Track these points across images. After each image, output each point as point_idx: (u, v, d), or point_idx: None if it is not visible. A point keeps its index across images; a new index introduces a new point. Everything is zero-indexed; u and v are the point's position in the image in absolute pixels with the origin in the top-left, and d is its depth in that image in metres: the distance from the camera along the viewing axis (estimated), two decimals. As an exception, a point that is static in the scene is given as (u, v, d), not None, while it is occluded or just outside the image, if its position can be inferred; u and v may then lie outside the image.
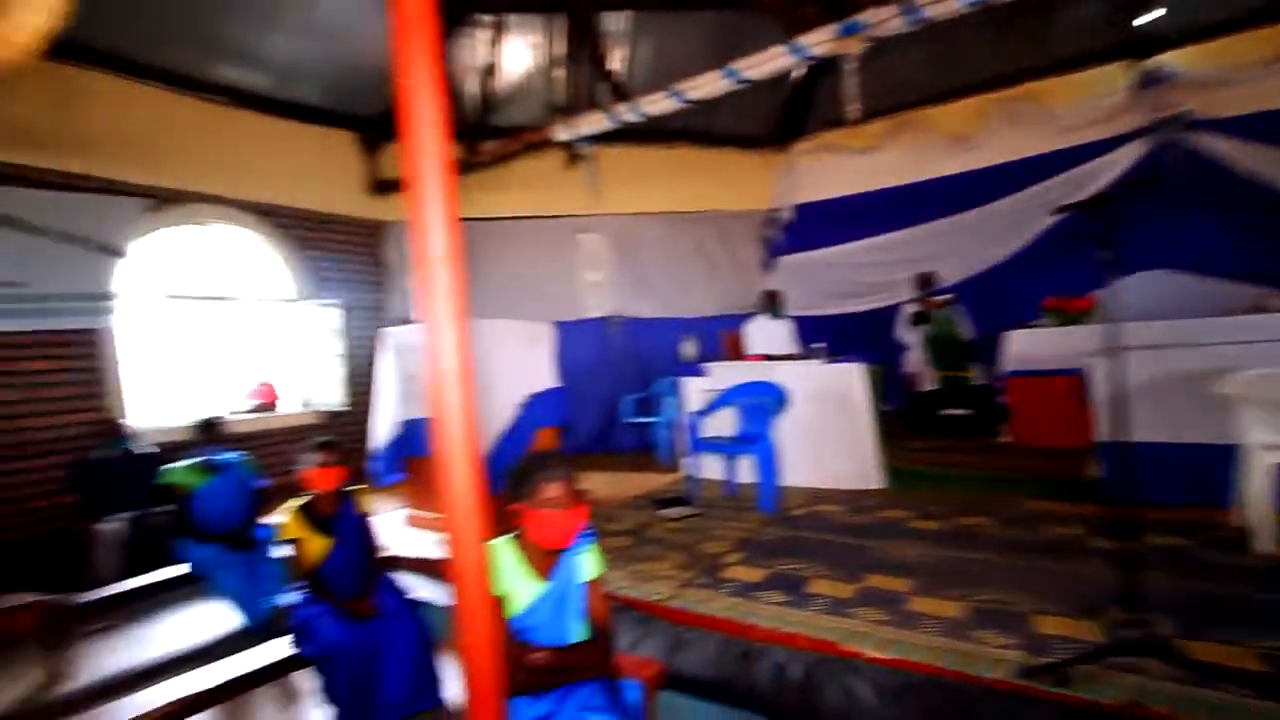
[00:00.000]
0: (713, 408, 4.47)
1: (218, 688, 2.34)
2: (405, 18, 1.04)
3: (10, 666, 3.15)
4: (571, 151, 5.80)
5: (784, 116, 7.05)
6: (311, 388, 6.19)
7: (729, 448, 4.41)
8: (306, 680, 2.67)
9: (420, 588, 3.14)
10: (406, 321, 4.73)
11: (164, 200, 5.03)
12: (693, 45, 6.03)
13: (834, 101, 4.53)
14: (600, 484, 4.98)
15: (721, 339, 5.40)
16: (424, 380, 3.71)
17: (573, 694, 1.65)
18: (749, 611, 2.58)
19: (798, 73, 6.09)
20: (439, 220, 1.07)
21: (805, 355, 4.77)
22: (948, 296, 5.64)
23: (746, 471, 4.47)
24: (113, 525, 3.95)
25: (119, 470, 4.13)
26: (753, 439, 4.21)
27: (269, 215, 5.72)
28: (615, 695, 1.69)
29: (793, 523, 3.76)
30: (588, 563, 1.77)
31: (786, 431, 4.33)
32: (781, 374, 4.45)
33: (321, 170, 6.13)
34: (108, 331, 4.70)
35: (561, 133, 5.42)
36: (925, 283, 5.71)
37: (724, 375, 4.81)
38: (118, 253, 4.72)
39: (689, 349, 5.84)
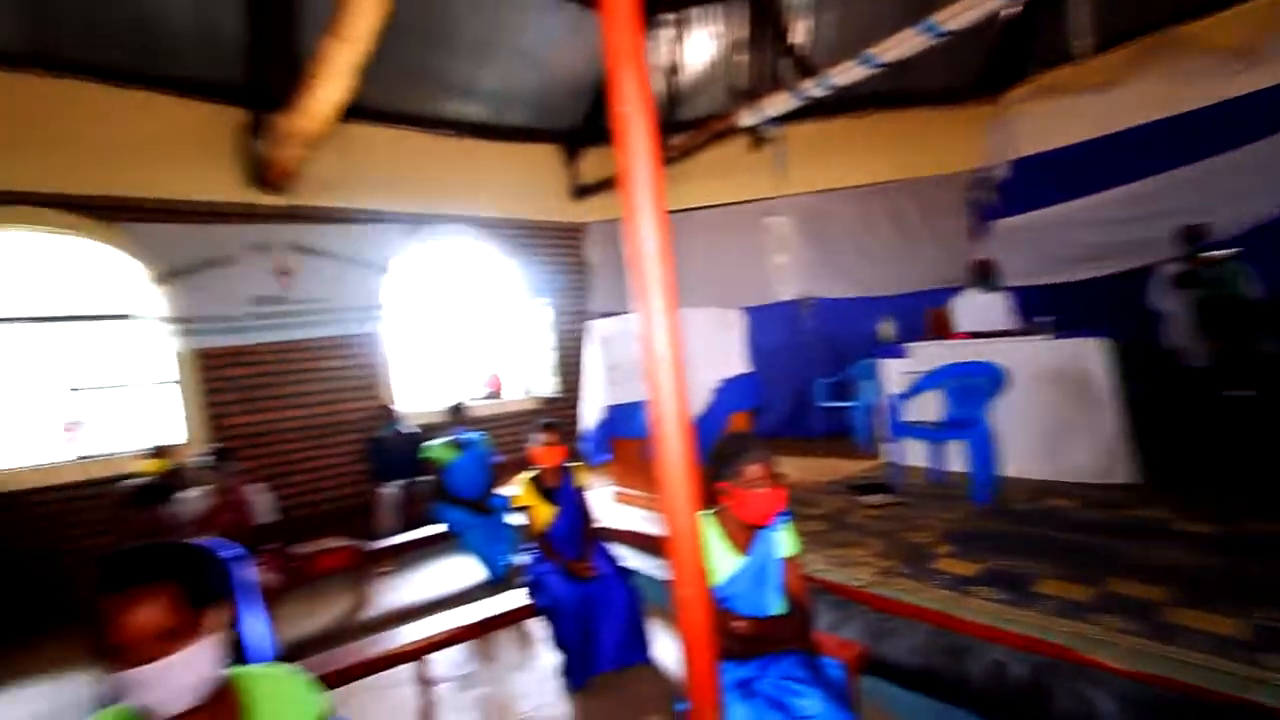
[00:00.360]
0: (916, 390, 4.20)
1: (471, 625, 2.83)
2: (614, 33, 1.15)
3: (331, 593, 4.11)
4: (756, 135, 5.78)
5: (992, 64, 6.25)
6: (529, 377, 7.00)
7: (936, 433, 4.12)
8: (539, 628, 3.11)
9: (628, 557, 3.46)
10: (608, 314, 5.13)
11: (416, 223, 6.05)
12: (881, 4, 5.62)
13: (1058, 37, 3.93)
14: (793, 468, 4.96)
15: (924, 316, 5.02)
16: (628, 368, 4.02)
17: (774, 663, 1.73)
18: (961, 605, 2.43)
19: (1009, 11, 5.36)
20: (650, 218, 1.16)
21: (1027, 331, 4.25)
22: (1228, 252, 4.58)
23: (956, 459, 4.14)
24: (391, 490, 4.91)
25: (394, 446, 5.11)
26: (964, 424, 3.88)
27: (492, 227, 6.57)
28: (817, 670, 1.74)
29: (1014, 516, 3.41)
30: (785, 540, 1.84)
31: (1005, 416, 3.92)
32: (997, 352, 4.03)
33: (531, 183, 6.87)
34: (379, 334, 5.81)
35: (746, 118, 5.43)
36: (1193, 236, 4.69)
37: (928, 355, 4.48)
38: (384, 270, 5.80)
39: (887, 329, 5.52)
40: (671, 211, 6.60)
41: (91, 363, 4.81)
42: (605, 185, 6.77)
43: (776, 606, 1.81)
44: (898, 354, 4.77)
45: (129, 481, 4.01)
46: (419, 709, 2.67)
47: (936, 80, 6.30)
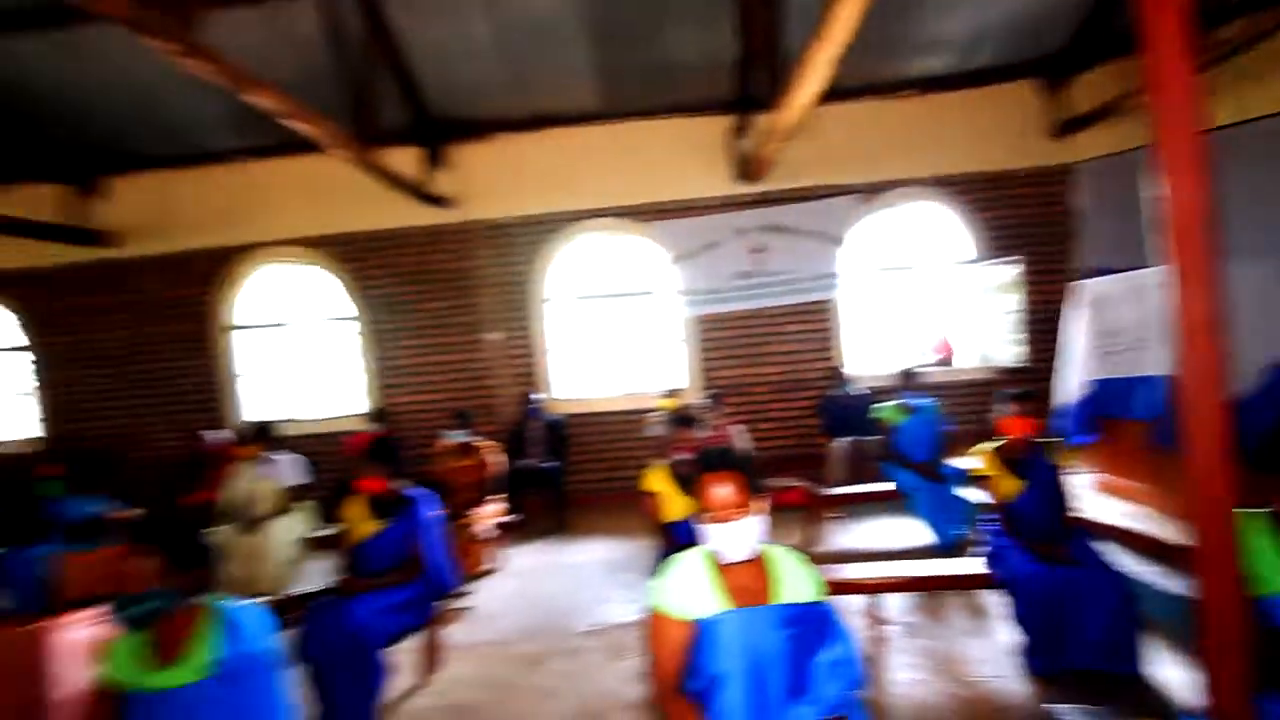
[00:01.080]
0: None
1: (919, 578, 2.94)
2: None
3: (785, 526, 4.76)
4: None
5: None
6: (987, 344, 6.43)
7: None
8: (997, 603, 3.01)
9: (1115, 555, 2.99)
10: (1101, 272, 4.29)
11: (870, 193, 6.21)
12: None
13: None
14: None
15: None
16: (1128, 336, 3.42)
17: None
18: None
19: None
20: (1183, 145, 0.98)
21: None
22: None
23: None
24: (840, 444, 5.32)
25: (844, 405, 5.50)
26: None
27: (951, 184, 6.20)
28: None
29: None
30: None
31: None
32: None
33: (999, 127, 6.14)
34: (834, 301, 6.25)
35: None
36: None
37: None
38: (839, 241, 6.15)
39: None
40: (1214, 129, 4.97)
41: (627, 326, 6.68)
42: (1102, 114, 5.53)
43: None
44: None
45: (655, 413, 5.50)
46: (868, 639, 2.95)
47: None
